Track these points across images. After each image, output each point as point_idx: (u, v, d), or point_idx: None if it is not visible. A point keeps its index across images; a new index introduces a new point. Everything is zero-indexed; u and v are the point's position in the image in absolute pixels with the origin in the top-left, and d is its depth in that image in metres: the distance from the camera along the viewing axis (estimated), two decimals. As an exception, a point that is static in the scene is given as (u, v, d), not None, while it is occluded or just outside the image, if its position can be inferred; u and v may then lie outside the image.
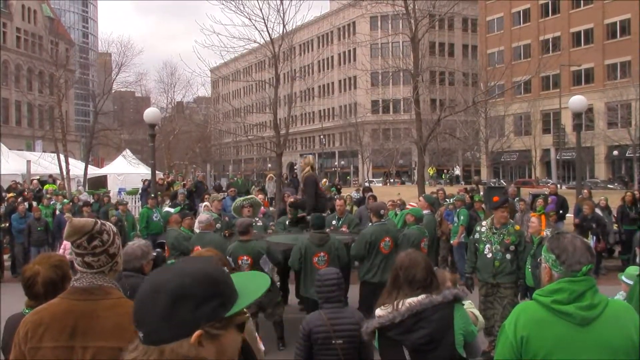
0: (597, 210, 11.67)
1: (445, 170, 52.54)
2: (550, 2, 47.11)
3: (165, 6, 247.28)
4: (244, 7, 14.83)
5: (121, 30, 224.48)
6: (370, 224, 7.26)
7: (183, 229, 8.31)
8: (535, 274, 6.32)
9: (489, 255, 6.53)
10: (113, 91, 35.42)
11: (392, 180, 53.00)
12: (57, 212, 13.36)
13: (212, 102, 71.48)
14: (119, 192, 25.09)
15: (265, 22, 14.38)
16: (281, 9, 14.41)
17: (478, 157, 47.98)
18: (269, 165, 55.09)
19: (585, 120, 30.82)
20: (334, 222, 8.89)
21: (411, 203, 9.20)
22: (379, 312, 2.94)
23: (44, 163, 25.56)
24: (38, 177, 20.92)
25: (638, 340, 2.15)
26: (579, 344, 2.13)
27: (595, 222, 11.13)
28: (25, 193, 16.36)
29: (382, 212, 7.18)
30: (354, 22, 60.05)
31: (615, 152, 41.68)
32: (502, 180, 44.44)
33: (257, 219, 9.01)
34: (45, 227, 12.20)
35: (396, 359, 2.90)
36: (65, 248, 9.33)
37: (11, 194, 15.06)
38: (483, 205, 11.48)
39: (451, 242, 10.86)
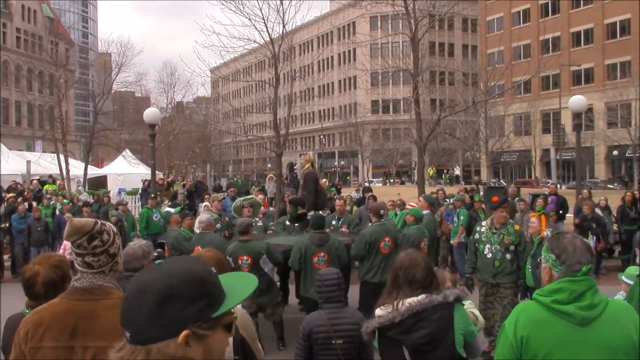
0: (597, 210, 11.66)
1: (445, 170, 52.52)
2: (550, 2, 47.11)
3: (165, 6, 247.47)
4: (243, 7, 14.86)
5: (121, 30, 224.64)
6: (370, 224, 7.26)
7: (183, 229, 8.31)
8: (535, 274, 6.32)
9: (489, 256, 6.53)
10: (113, 91, 35.44)
11: (392, 181, 52.98)
12: (57, 212, 13.36)
13: (212, 102, 71.47)
14: (119, 192, 25.10)
15: (265, 22, 14.40)
16: (281, 9, 14.43)
17: (478, 157, 47.99)
18: (269, 165, 55.08)
19: (585, 120, 30.82)
20: (333, 222, 8.89)
21: (411, 203, 9.20)
22: (378, 312, 2.94)
23: (44, 163, 25.58)
24: (38, 177, 20.93)
25: (638, 340, 2.15)
26: (579, 343, 2.13)
27: (595, 222, 11.13)
28: (25, 193, 16.36)
29: (381, 212, 7.18)
30: (353, 22, 60.04)
31: (615, 152, 41.68)
32: (502, 180, 44.44)
33: (257, 219, 9.01)
34: (45, 227, 12.19)
35: (396, 359, 2.90)
36: (65, 248, 9.32)
37: (11, 194, 15.06)
38: (483, 206, 11.48)
39: (451, 242, 10.86)
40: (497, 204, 6.75)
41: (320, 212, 8.92)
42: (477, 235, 6.77)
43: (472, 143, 43.46)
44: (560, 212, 12.49)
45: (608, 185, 36.82)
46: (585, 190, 13.83)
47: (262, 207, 10.11)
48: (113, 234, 2.14)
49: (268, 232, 9.04)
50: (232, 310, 1.27)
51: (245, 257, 6.51)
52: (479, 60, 50.85)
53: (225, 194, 15.67)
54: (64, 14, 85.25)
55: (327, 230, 7.52)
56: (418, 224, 7.40)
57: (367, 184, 29.85)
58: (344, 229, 8.73)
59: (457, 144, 41.08)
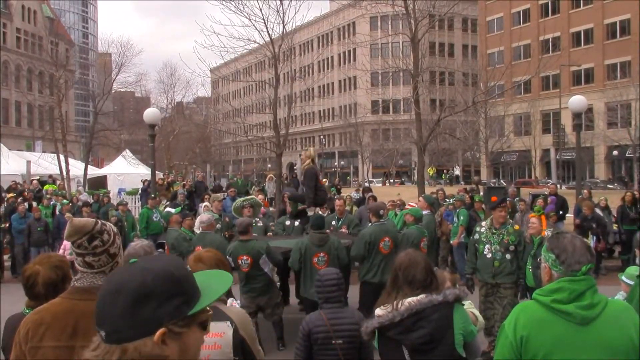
0: (597, 211, 11.67)
1: (445, 171, 52.52)
2: (550, 2, 47.12)
3: (165, 6, 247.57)
4: (243, 8, 14.88)
5: (121, 30, 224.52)
6: (369, 224, 7.27)
7: (183, 230, 8.32)
8: (536, 275, 6.32)
9: (489, 256, 6.54)
10: (113, 91, 35.44)
11: (391, 181, 52.98)
12: (57, 212, 13.36)
13: (212, 102, 71.48)
14: (119, 192, 25.11)
15: (265, 23, 14.41)
16: (281, 9, 14.44)
17: (478, 157, 48.00)
18: (269, 165, 55.09)
19: (585, 120, 30.80)
20: (333, 223, 8.89)
21: (410, 203, 9.20)
22: (378, 311, 2.94)
23: (44, 163, 25.59)
24: (38, 178, 20.93)
25: (638, 340, 2.15)
26: (578, 343, 2.13)
27: (595, 222, 11.13)
28: (25, 193, 16.36)
29: (381, 212, 7.19)
30: (353, 22, 60.05)
31: (615, 152, 41.68)
32: (502, 181, 44.46)
33: (257, 220, 9.01)
34: (45, 227, 12.20)
35: (396, 358, 2.90)
36: (65, 248, 9.32)
37: (11, 194, 15.07)
38: (483, 206, 11.48)
39: (451, 242, 10.86)
40: (495, 204, 6.76)
41: (320, 212, 8.92)
42: (476, 236, 6.78)
43: (472, 143, 43.46)
44: (561, 212, 12.50)
45: (608, 186, 36.83)
46: (585, 191, 13.84)
47: (262, 208, 10.11)
48: (113, 234, 2.14)
49: (268, 233, 9.03)
50: (208, 307, 1.27)
51: (245, 257, 6.51)
52: (479, 61, 50.83)
53: (225, 194, 15.68)
54: (64, 14, 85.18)
55: (327, 230, 7.52)
56: (417, 223, 7.41)
57: (367, 184, 29.85)
58: (343, 230, 8.72)
59: (457, 144, 41.10)
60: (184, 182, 20.40)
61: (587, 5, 44.57)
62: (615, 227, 12.29)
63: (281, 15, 14.45)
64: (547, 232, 6.88)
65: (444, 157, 47.40)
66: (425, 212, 8.69)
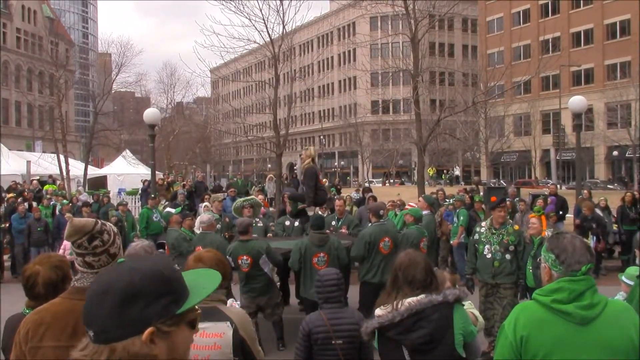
0: (597, 211, 11.67)
1: (445, 171, 52.51)
2: (550, 3, 47.12)
3: (165, 6, 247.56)
4: (243, 8, 14.89)
5: (121, 30, 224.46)
6: (369, 224, 7.27)
7: (184, 230, 8.32)
8: (536, 275, 6.32)
9: (489, 256, 6.54)
10: (113, 91, 35.43)
11: (391, 181, 52.98)
12: (57, 212, 13.36)
13: (212, 102, 71.47)
14: (119, 192, 25.10)
15: (265, 23, 14.41)
16: (281, 9, 14.44)
17: (478, 157, 47.99)
18: (269, 165, 55.08)
19: (585, 120, 30.80)
20: (333, 223, 8.88)
21: (410, 203, 9.20)
22: (378, 312, 2.94)
23: (44, 163, 25.60)
24: (38, 178, 20.94)
25: (638, 340, 2.15)
26: (578, 343, 2.13)
27: (595, 223, 11.14)
28: (25, 193, 16.36)
29: (381, 212, 7.19)
30: (353, 23, 60.04)
31: (615, 153, 41.68)
32: (502, 181, 44.45)
33: (257, 220, 9.01)
34: (45, 227, 12.20)
35: (396, 359, 2.90)
36: (65, 248, 9.32)
37: (11, 194, 15.07)
38: (483, 206, 11.48)
39: (451, 242, 10.86)
40: (495, 204, 6.77)
41: (320, 212, 8.92)
42: (476, 236, 6.78)
43: (472, 143, 43.45)
44: (561, 212, 12.50)
45: (608, 186, 36.81)
46: (585, 191, 13.84)
47: (262, 208, 10.11)
48: (113, 234, 2.15)
49: (268, 234, 9.03)
50: (196, 306, 1.27)
51: (245, 257, 6.51)
52: (479, 61, 50.85)
53: (225, 194, 15.68)
54: (64, 14, 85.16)
55: (327, 230, 7.52)
56: (417, 224, 7.42)
57: (367, 185, 29.85)
58: (343, 230, 8.72)
59: (457, 144, 41.09)
60: (184, 182, 20.41)
61: (587, 5, 44.57)
62: (615, 227, 12.29)
63: (281, 15, 14.48)
64: (547, 233, 6.89)
65: (444, 158, 47.40)
66: (425, 212, 8.69)
